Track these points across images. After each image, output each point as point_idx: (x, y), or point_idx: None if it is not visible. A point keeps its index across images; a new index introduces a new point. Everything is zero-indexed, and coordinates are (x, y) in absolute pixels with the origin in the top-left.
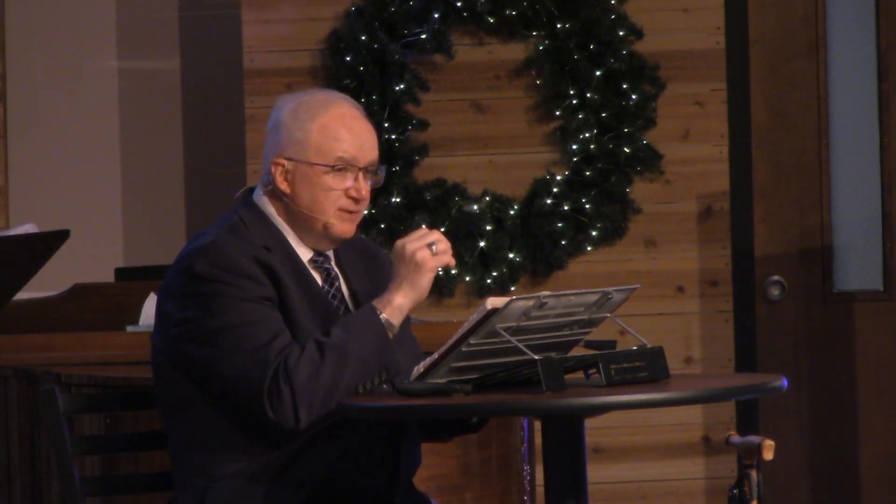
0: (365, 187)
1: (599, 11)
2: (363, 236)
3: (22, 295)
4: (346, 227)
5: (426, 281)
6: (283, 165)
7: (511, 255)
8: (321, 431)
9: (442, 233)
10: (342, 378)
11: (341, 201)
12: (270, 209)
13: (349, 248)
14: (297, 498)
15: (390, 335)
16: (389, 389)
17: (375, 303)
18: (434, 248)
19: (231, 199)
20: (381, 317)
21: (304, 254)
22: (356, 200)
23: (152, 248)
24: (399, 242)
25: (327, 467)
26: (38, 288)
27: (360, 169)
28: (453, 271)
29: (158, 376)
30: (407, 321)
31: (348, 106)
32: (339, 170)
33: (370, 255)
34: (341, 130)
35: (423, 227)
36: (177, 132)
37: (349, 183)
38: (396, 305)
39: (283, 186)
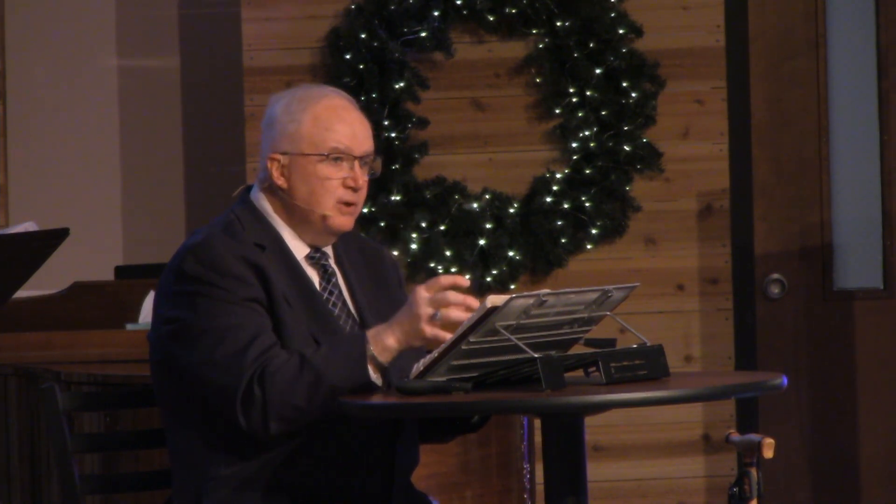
0: (362, 177)
1: (599, 9)
2: (365, 236)
3: (22, 293)
4: (343, 221)
5: (418, 343)
6: (279, 160)
7: (511, 254)
8: (317, 433)
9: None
10: (315, 400)
11: (339, 192)
12: (267, 206)
13: (352, 246)
14: (293, 499)
15: (374, 373)
16: (387, 388)
17: (371, 336)
18: (438, 316)
19: (231, 197)
20: (369, 352)
21: (301, 251)
22: (354, 190)
23: (152, 246)
24: (420, 293)
25: (323, 469)
26: (38, 286)
27: (355, 158)
28: (453, 269)
29: (155, 374)
30: None
31: (339, 98)
32: (335, 159)
33: (375, 255)
34: (334, 120)
35: (450, 280)
36: (176, 130)
37: (345, 172)
38: (388, 346)
39: (280, 182)
